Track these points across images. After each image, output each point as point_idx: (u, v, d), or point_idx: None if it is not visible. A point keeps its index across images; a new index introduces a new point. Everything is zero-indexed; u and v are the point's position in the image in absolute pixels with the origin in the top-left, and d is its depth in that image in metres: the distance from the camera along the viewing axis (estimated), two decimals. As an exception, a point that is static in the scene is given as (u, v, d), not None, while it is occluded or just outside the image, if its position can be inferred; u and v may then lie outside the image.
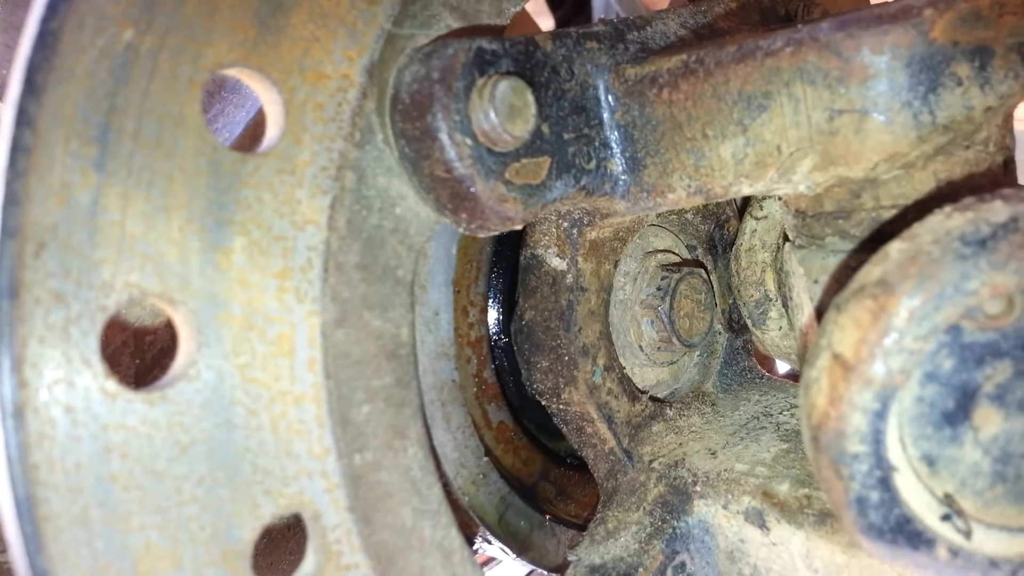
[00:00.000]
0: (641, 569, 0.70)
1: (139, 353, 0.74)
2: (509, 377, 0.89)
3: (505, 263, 0.87)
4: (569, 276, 0.73)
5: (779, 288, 0.82)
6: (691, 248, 0.91)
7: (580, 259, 0.73)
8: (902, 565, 0.50)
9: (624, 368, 0.80)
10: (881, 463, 0.47)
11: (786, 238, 0.70)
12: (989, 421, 0.48)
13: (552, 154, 0.58)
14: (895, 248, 0.47)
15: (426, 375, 0.81)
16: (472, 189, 0.54)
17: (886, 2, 0.53)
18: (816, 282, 0.62)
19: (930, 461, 0.49)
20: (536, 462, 0.94)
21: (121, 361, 0.73)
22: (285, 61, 0.50)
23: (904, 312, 0.45)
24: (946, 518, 0.49)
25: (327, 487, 0.51)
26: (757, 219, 0.84)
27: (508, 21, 0.62)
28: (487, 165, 0.54)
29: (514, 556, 0.93)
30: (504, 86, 0.53)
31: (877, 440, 0.47)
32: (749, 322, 0.85)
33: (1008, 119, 0.57)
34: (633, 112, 0.61)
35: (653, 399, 0.83)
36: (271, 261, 0.49)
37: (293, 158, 0.50)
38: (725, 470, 0.72)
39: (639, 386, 0.84)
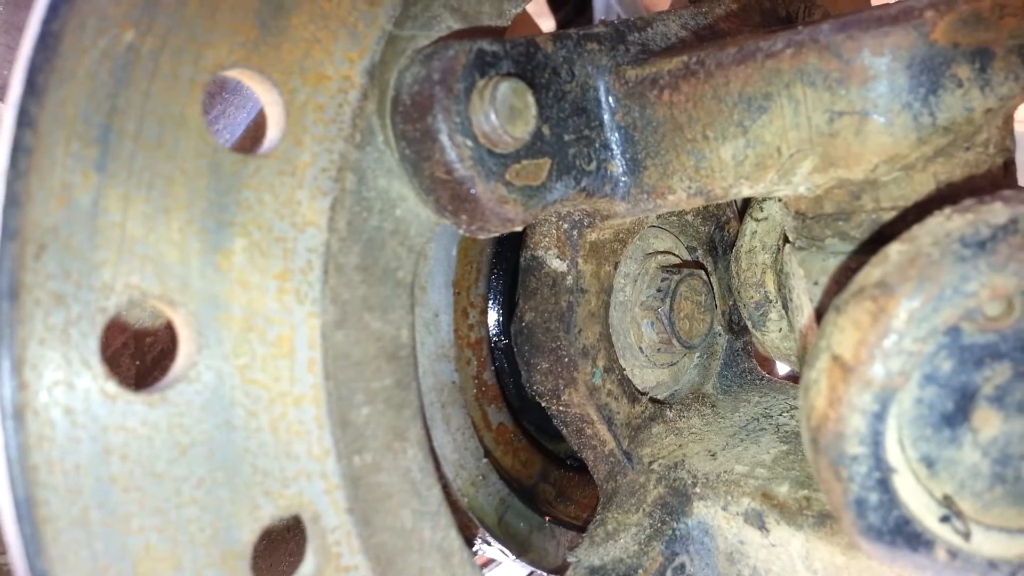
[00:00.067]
0: (641, 571, 0.70)
1: (139, 355, 0.74)
2: (509, 379, 0.89)
3: (505, 265, 0.87)
4: (569, 278, 0.73)
5: (779, 290, 0.82)
6: (691, 249, 0.91)
7: (580, 261, 0.73)
8: (901, 566, 0.50)
9: (624, 370, 0.80)
10: (880, 465, 0.47)
11: (786, 240, 0.70)
12: (988, 423, 0.48)
13: (552, 155, 0.58)
14: (895, 250, 0.47)
15: (426, 377, 0.81)
16: (472, 191, 0.54)
17: (887, 4, 0.53)
18: (816, 284, 0.62)
19: (929, 463, 0.49)
20: (536, 464, 0.94)
21: (121, 363, 0.73)
22: (286, 62, 0.50)
23: (903, 314, 0.45)
24: (945, 519, 0.49)
25: (327, 488, 0.51)
26: (757, 221, 0.84)
27: (509, 22, 0.62)
28: (487, 166, 0.54)
29: (513, 558, 0.93)
30: (505, 87, 0.53)
31: (876, 442, 0.47)
32: (749, 324, 0.85)
33: (1008, 121, 0.57)
34: (634, 113, 0.61)
35: (653, 401, 0.83)
36: (271, 263, 0.49)
37: (294, 159, 0.50)
38: (725, 472, 0.72)
39: (639, 388, 0.84)
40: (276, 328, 0.49)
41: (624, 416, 0.79)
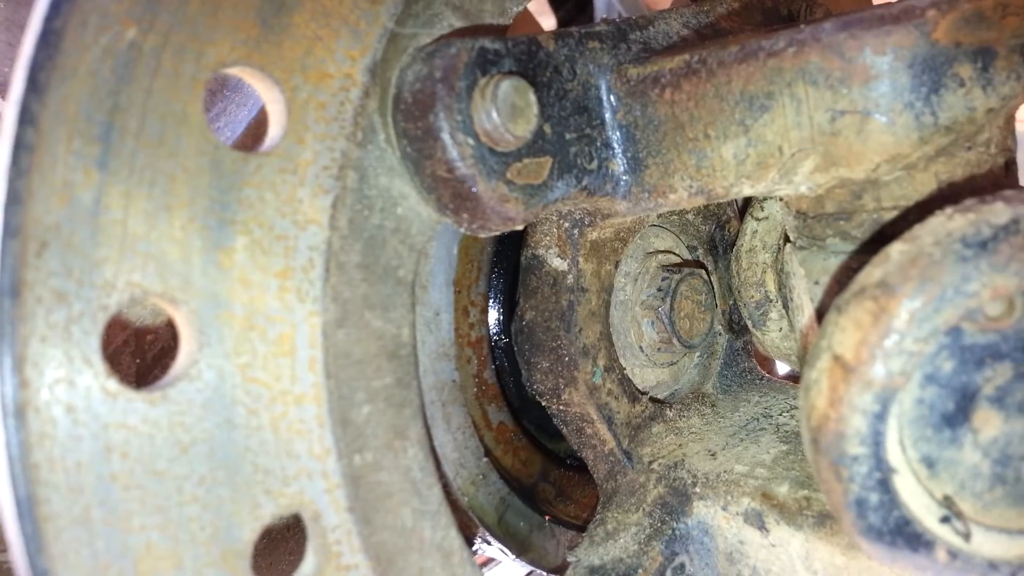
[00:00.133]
0: (640, 570, 0.70)
1: (140, 352, 0.74)
2: (509, 378, 0.89)
3: (506, 263, 0.87)
4: (570, 276, 0.73)
5: (780, 289, 0.82)
6: (692, 249, 0.91)
7: (581, 259, 0.73)
8: (901, 567, 0.50)
9: (624, 369, 0.80)
10: (881, 465, 0.47)
11: (787, 239, 0.70)
12: (989, 423, 0.48)
13: (554, 154, 0.58)
14: (896, 250, 0.47)
15: (426, 375, 0.81)
16: (474, 189, 0.54)
17: (889, 3, 0.53)
18: (817, 283, 0.62)
19: (930, 463, 0.49)
20: (536, 463, 0.94)
21: (122, 360, 0.73)
22: (288, 60, 0.50)
23: (905, 314, 0.45)
24: (945, 520, 0.49)
25: (327, 487, 0.51)
26: (758, 220, 0.84)
27: (511, 20, 0.62)
28: (489, 165, 0.54)
29: (513, 557, 0.93)
30: (506, 86, 0.53)
31: (877, 442, 0.47)
32: (749, 323, 0.85)
33: (1010, 120, 0.57)
34: (635, 112, 0.61)
35: (653, 400, 0.83)
36: (273, 261, 0.49)
37: (295, 157, 0.50)
38: (725, 471, 0.72)
39: (639, 387, 0.84)
40: (277, 326, 0.49)
41: (624, 415, 0.79)
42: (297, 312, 0.50)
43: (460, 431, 0.84)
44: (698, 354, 0.91)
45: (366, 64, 0.53)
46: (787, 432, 0.78)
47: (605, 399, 0.77)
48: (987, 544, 0.49)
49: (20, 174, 0.40)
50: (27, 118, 0.40)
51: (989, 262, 0.44)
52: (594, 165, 0.61)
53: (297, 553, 0.52)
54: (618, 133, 0.62)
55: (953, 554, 0.48)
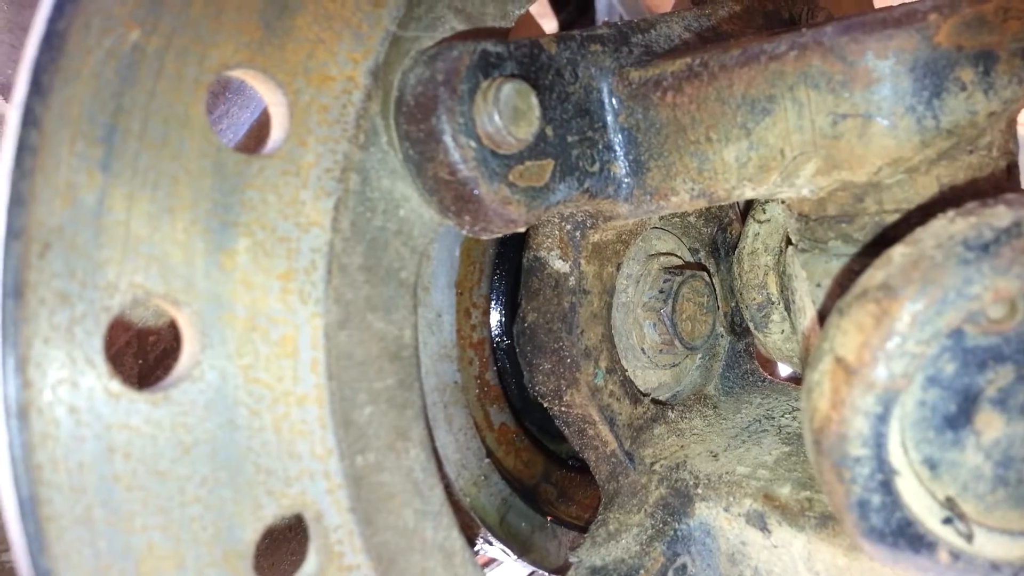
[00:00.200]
0: (642, 571, 0.70)
1: (142, 353, 0.74)
2: (511, 379, 0.90)
3: (508, 265, 0.87)
4: (572, 278, 0.73)
5: (781, 291, 0.82)
6: (694, 251, 0.91)
7: (583, 261, 0.73)
8: (903, 568, 0.50)
9: (626, 370, 0.80)
10: (883, 466, 0.47)
11: (789, 241, 0.70)
12: (991, 425, 0.48)
13: (556, 157, 0.59)
14: (898, 252, 0.47)
15: (428, 377, 0.81)
16: (476, 191, 0.54)
17: (890, 6, 0.53)
18: (819, 285, 0.62)
19: (932, 465, 0.49)
20: (538, 464, 0.94)
21: (125, 361, 0.73)
22: (290, 63, 0.50)
23: (907, 316, 0.45)
24: (947, 521, 0.49)
25: (329, 488, 0.51)
26: (760, 222, 0.84)
27: (513, 23, 0.62)
28: (491, 168, 0.54)
29: (515, 557, 0.93)
30: (508, 89, 0.54)
31: (879, 444, 0.47)
32: (751, 325, 0.85)
33: (1011, 124, 0.57)
34: (637, 115, 0.61)
35: (655, 401, 0.83)
36: (275, 262, 0.49)
37: (297, 160, 0.50)
38: (727, 472, 0.72)
39: (641, 388, 0.84)
40: (280, 328, 0.49)
41: (626, 417, 0.79)
42: (299, 314, 0.50)
43: (462, 432, 0.84)
44: (700, 356, 0.91)
45: (368, 67, 0.54)
46: (789, 434, 0.78)
47: (607, 400, 0.77)
48: (989, 545, 0.49)
49: (23, 176, 0.40)
50: (30, 120, 0.40)
51: (991, 265, 0.44)
52: (596, 168, 0.61)
53: (299, 553, 0.52)
54: (620, 136, 0.62)
55: (955, 555, 0.48)
